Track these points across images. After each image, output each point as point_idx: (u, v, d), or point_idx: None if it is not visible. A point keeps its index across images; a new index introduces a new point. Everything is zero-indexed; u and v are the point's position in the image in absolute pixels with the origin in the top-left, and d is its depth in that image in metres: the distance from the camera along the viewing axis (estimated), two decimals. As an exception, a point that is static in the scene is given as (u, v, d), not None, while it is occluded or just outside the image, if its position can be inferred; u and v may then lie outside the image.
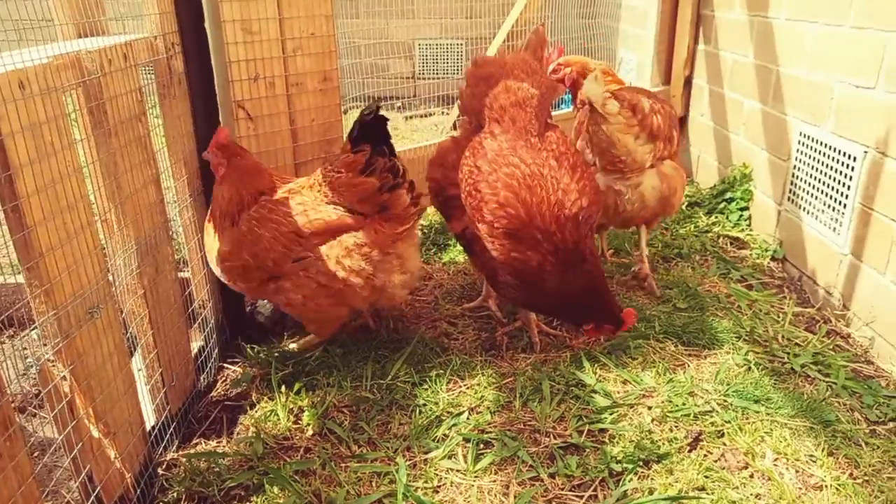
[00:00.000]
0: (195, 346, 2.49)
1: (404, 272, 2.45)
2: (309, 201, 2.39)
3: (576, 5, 6.14)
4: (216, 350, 2.57)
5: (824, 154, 3.06)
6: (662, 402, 2.27)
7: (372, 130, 2.33)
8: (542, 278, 2.27)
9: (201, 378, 2.45)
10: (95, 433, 1.76)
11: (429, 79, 7.16)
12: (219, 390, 2.44)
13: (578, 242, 2.26)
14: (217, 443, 2.16)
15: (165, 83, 2.24)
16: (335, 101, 2.78)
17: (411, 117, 6.42)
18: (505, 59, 2.63)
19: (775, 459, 2.04)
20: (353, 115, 6.40)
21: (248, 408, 2.29)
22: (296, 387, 2.32)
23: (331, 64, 2.71)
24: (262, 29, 2.48)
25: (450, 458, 2.03)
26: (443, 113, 6.47)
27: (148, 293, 2.07)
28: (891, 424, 2.22)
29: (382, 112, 2.34)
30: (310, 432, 2.15)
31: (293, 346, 2.59)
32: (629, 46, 5.87)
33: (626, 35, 6.00)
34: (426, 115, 6.46)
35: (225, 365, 2.57)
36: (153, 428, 2.10)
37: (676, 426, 2.16)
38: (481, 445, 2.07)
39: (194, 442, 2.17)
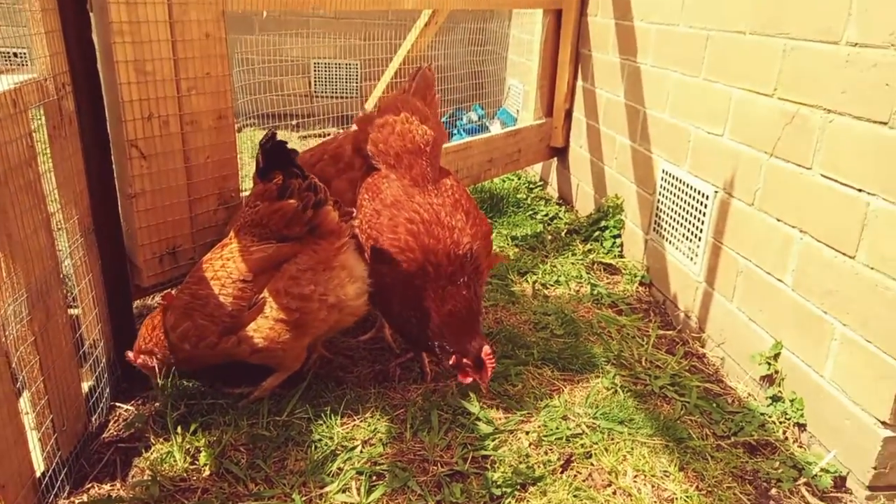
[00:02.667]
0: (86, 385, 2.48)
1: (354, 280, 2.48)
2: (239, 247, 2.43)
3: (465, 33, 6.41)
4: (108, 389, 2.57)
5: (683, 191, 3.42)
6: (539, 426, 2.50)
7: (275, 157, 2.37)
8: (429, 308, 2.44)
9: (93, 419, 2.44)
10: (-17, 488, 1.76)
11: (325, 98, 7.22)
12: (111, 431, 2.44)
13: (463, 277, 2.47)
14: (111, 486, 2.17)
15: (56, 124, 2.23)
16: (231, 138, 2.84)
17: (307, 136, 6.47)
18: (397, 103, 2.78)
19: (635, 476, 2.30)
20: (248, 133, 6.41)
21: (143, 449, 2.31)
22: (192, 427, 2.36)
23: (226, 102, 2.76)
24: (155, 69, 2.50)
25: (344, 491, 2.15)
26: (339, 132, 6.55)
27: (38, 339, 2.06)
28: (733, 438, 2.54)
29: (279, 138, 2.39)
30: (207, 472, 2.21)
31: (263, 386, 2.57)
32: (516, 75, 6.20)
33: (514, 64, 6.33)
34: (323, 135, 6.53)
35: (117, 404, 2.56)
36: (43, 475, 2.09)
37: (551, 449, 2.39)
38: (374, 477, 2.20)
39: (87, 486, 2.17)
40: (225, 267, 2.40)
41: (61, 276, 2.27)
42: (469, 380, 2.46)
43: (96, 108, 2.42)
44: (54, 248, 2.19)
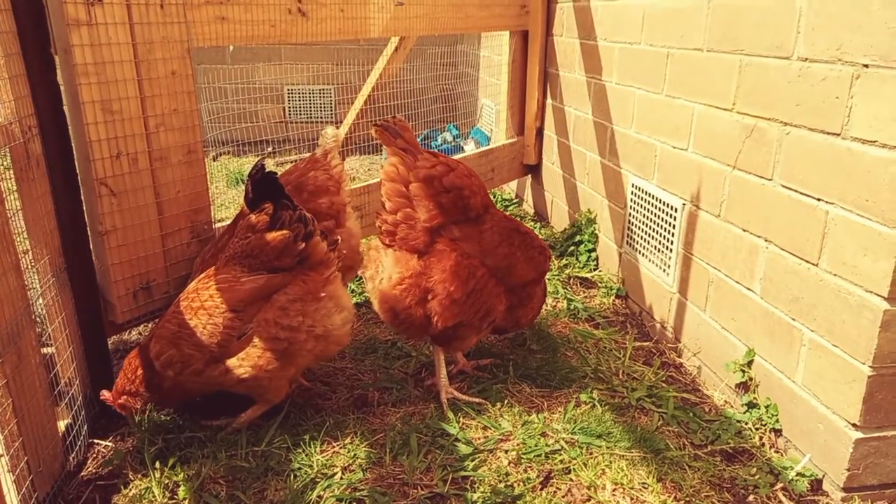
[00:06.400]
0: (62, 424, 2.47)
1: (342, 310, 2.53)
2: (230, 277, 2.45)
3: (436, 55, 6.49)
4: (85, 426, 2.56)
5: (652, 204, 3.48)
6: (518, 444, 2.52)
7: (265, 187, 2.41)
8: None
9: (70, 458, 2.43)
10: (-41, 535, 1.75)
11: (300, 123, 7.26)
12: (90, 469, 2.43)
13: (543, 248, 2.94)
14: (90, 526, 2.17)
15: (23, 167, 2.25)
16: (201, 171, 2.86)
17: (283, 163, 6.50)
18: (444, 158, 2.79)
19: (613, 490, 2.32)
20: (224, 161, 6.43)
21: (122, 486, 2.30)
22: (170, 461, 2.36)
23: (195, 137, 2.79)
24: (123, 108, 2.53)
25: (324, 519, 2.16)
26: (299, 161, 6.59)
27: (10, 382, 2.06)
28: (710, 447, 2.58)
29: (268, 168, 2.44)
30: (186, 506, 2.21)
31: (242, 417, 2.58)
32: (489, 95, 6.28)
33: (486, 84, 6.41)
34: (299, 160, 6.57)
35: (95, 441, 2.56)
36: (20, 518, 2.08)
37: (530, 467, 2.41)
38: (354, 504, 2.22)
39: (65, 527, 2.16)
40: (213, 297, 2.42)
41: (33, 316, 2.28)
42: None
43: (64, 149, 2.45)
44: (24, 290, 2.20)
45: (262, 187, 2.41)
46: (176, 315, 2.47)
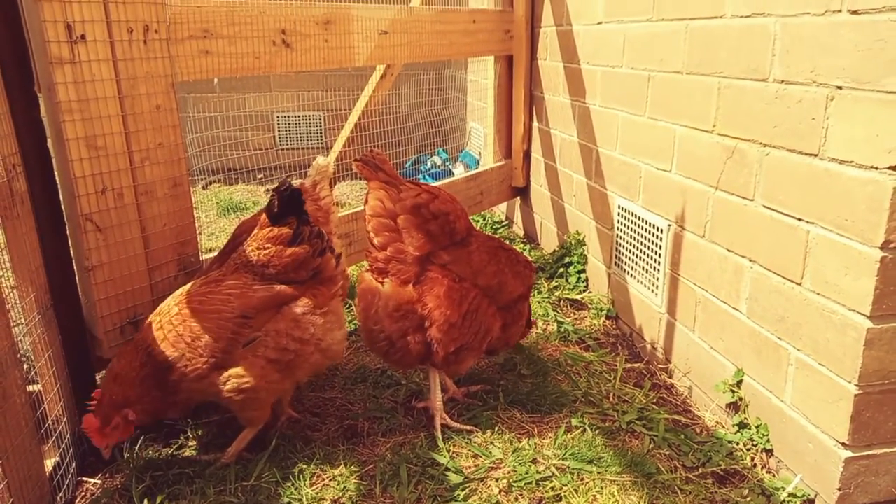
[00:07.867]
0: (50, 462, 2.45)
1: (342, 326, 2.62)
2: (241, 283, 2.48)
3: (424, 81, 6.55)
4: (73, 465, 2.54)
5: (639, 225, 3.49)
6: (508, 472, 2.50)
7: (290, 204, 2.48)
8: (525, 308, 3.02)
9: (58, 497, 2.41)
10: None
11: (289, 150, 7.29)
12: (77, 508, 2.41)
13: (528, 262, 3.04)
14: (77, 567, 2.14)
15: (8, 204, 2.25)
16: (187, 204, 2.86)
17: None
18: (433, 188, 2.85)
19: (605, 516, 2.31)
20: (214, 190, 6.43)
21: (110, 525, 2.29)
22: (158, 499, 2.34)
23: (180, 170, 2.80)
24: (107, 144, 2.54)
25: (313, 554, 2.14)
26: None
27: (-5, 423, 2.05)
28: (701, 469, 2.57)
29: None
30: (174, 544, 2.18)
31: (230, 451, 2.57)
32: (476, 118, 6.33)
33: (474, 107, 6.46)
34: (288, 187, 6.59)
35: (84, 479, 2.53)
36: (5, 561, 2.05)
37: (521, 495, 2.39)
38: (343, 537, 2.20)
39: (52, 568, 2.14)
40: (226, 302, 2.42)
41: (19, 355, 2.27)
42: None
43: (49, 186, 2.46)
44: (9, 328, 2.19)
45: (287, 203, 2.48)
46: (182, 318, 2.43)
